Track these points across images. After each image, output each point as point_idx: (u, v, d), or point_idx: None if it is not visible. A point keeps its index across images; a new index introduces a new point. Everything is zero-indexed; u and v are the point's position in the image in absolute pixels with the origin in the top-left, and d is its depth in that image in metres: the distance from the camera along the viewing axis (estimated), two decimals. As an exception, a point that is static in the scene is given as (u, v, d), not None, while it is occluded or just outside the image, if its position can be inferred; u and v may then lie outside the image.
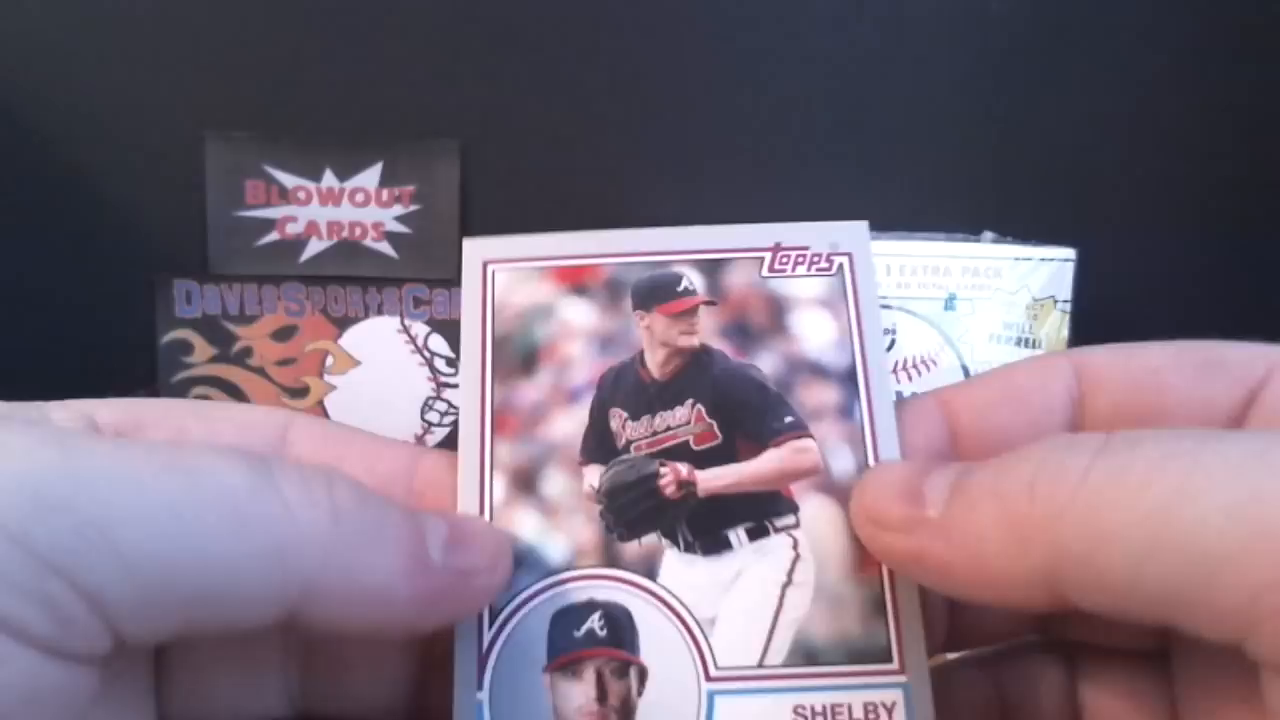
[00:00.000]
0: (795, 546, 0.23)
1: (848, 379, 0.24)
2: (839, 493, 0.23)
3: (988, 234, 0.70)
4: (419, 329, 0.70)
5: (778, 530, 0.23)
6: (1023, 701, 0.23)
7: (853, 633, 0.22)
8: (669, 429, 0.23)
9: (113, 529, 0.16)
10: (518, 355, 0.24)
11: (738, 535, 0.23)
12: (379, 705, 0.23)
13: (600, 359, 0.24)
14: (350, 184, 0.69)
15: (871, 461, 0.23)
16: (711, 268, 0.25)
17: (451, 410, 0.70)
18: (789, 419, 0.23)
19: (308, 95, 0.67)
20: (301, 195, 0.69)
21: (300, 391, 0.69)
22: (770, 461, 0.23)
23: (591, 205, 0.68)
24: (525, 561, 0.22)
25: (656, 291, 0.25)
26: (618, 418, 0.24)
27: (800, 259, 0.25)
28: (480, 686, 0.21)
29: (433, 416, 0.70)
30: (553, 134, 0.69)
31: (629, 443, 0.23)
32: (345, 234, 0.69)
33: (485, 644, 0.22)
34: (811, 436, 0.23)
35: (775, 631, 0.22)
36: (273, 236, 0.68)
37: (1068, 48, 0.73)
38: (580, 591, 0.22)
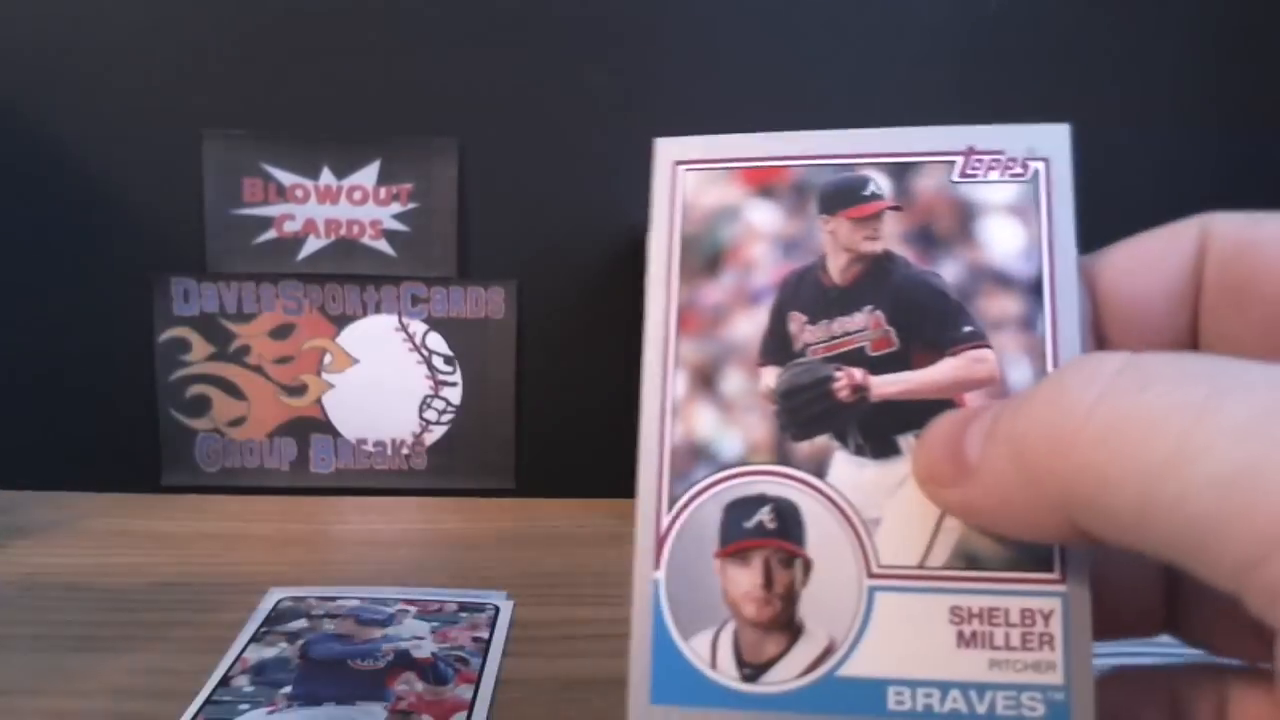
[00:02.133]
0: (964, 455, 0.23)
1: (1032, 289, 0.23)
2: (1014, 405, 0.23)
3: (988, 234, 0.65)
4: (417, 327, 0.70)
5: (948, 439, 0.23)
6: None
7: (1015, 543, 0.23)
8: (846, 334, 0.24)
9: None
10: (703, 256, 0.25)
11: (907, 441, 0.23)
12: None
13: (783, 262, 0.25)
14: (348, 182, 0.69)
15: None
16: (900, 171, 0.25)
17: (450, 408, 0.70)
18: (968, 328, 0.24)
19: (306, 94, 0.67)
20: (299, 193, 0.69)
21: (298, 390, 0.70)
22: (946, 370, 0.23)
23: (592, 203, 0.67)
24: (702, 455, 0.24)
25: (842, 195, 0.25)
26: (796, 321, 0.24)
27: (994, 164, 0.24)
28: (658, 566, 0.24)
29: (430, 414, 0.70)
30: (551, 131, 0.68)
31: (806, 346, 0.24)
32: (343, 232, 0.69)
33: (663, 529, 0.24)
34: (990, 346, 0.23)
35: (938, 536, 0.23)
36: (270, 234, 0.69)
37: (1068, 47, 0.67)
38: (752, 485, 0.24)
